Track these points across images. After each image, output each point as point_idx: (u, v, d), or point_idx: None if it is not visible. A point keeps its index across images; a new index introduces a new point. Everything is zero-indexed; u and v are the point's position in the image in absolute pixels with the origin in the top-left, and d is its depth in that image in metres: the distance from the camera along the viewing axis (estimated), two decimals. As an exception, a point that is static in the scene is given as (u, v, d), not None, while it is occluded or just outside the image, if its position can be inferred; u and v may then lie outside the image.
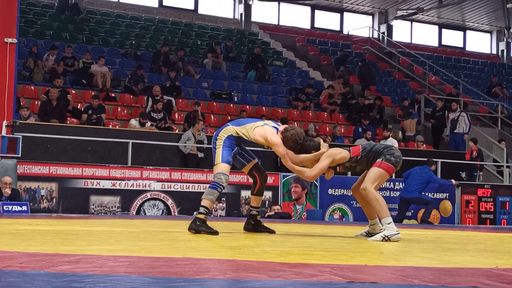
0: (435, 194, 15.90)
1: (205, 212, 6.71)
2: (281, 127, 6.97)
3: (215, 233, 6.58)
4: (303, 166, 6.94)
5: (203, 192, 6.95)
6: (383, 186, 15.32)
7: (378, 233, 6.83)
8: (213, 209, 13.68)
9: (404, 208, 14.51)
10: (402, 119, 20.81)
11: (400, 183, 15.29)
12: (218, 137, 6.97)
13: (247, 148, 7.37)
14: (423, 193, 14.50)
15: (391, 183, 15.45)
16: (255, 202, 7.38)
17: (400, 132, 20.77)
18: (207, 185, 7.19)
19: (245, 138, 6.95)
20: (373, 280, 3.23)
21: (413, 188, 14.36)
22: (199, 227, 6.61)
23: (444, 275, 3.52)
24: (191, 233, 6.57)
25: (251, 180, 7.44)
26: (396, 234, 6.49)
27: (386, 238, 6.46)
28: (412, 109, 21.13)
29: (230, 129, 6.97)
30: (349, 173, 15.52)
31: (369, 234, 7.05)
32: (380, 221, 6.80)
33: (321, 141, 7.04)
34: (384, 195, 15.11)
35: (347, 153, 6.86)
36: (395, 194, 15.37)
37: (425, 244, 6.49)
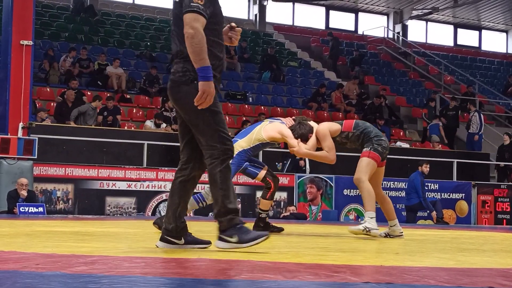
0: (451, 194, 15.84)
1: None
2: (287, 121, 7.10)
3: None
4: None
5: None
6: (396, 187, 15.28)
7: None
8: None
9: (411, 216, 14.45)
10: (426, 120, 20.61)
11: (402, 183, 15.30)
12: None
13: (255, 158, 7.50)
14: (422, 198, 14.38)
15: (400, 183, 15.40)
16: (265, 206, 7.45)
17: (416, 132, 20.70)
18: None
19: (260, 143, 7.07)
20: (389, 280, 3.22)
21: (410, 196, 14.37)
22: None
23: (460, 276, 3.50)
24: None
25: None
26: (375, 229, 6.67)
27: (367, 229, 6.64)
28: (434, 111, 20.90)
29: (238, 145, 6.96)
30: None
31: (388, 236, 7.02)
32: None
33: (311, 122, 7.14)
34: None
35: (339, 127, 7.00)
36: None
37: (441, 244, 6.46)
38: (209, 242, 4.65)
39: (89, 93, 17.48)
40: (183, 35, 4.35)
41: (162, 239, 4.61)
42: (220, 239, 4.46)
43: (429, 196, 15.00)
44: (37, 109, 14.96)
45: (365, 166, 6.83)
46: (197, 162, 4.62)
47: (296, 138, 6.93)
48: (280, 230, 7.48)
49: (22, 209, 11.48)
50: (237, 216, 4.46)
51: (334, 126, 7.01)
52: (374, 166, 6.87)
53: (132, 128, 16.36)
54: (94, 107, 15.52)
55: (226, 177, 4.44)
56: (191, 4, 4.30)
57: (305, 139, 6.93)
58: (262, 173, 7.27)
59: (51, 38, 20.25)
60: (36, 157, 12.50)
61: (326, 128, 6.92)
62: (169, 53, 21.32)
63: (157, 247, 4.61)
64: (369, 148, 6.85)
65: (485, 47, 31.39)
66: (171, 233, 4.58)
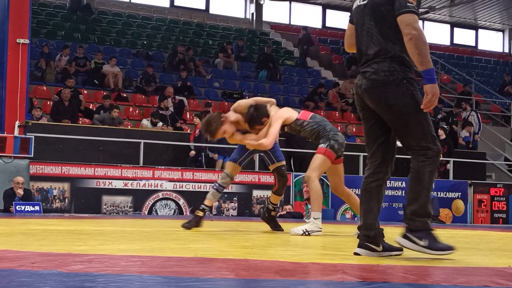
0: (447, 193, 15.85)
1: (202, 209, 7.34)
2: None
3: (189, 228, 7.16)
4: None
5: None
6: (394, 186, 15.30)
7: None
8: (225, 209, 13.75)
9: None
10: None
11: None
12: None
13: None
14: None
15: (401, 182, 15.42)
16: (273, 199, 7.54)
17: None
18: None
19: None
20: (385, 279, 3.23)
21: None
22: (190, 224, 7.24)
23: (456, 274, 3.50)
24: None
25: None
26: (318, 231, 6.61)
27: (306, 232, 6.56)
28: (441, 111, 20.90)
29: None
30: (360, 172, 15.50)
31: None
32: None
33: (268, 106, 6.96)
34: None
35: (295, 114, 6.97)
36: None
37: (437, 243, 6.45)
38: (401, 249, 4.43)
39: (85, 91, 17.46)
40: (388, 33, 4.34)
41: (362, 246, 4.40)
42: (406, 237, 4.29)
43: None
44: (33, 107, 14.95)
45: (319, 164, 6.75)
46: (390, 165, 4.44)
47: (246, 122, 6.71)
48: (280, 230, 7.51)
49: (19, 207, 11.47)
50: (430, 221, 4.35)
51: (289, 112, 6.96)
52: (328, 164, 6.82)
53: (129, 127, 16.34)
54: (112, 117, 15.47)
55: (433, 179, 4.30)
56: (408, 4, 4.28)
57: (259, 124, 6.71)
58: (274, 165, 7.34)
59: (48, 37, 20.22)
60: (32, 155, 12.49)
61: (280, 115, 6.81)
62: (165, 51, 21.34)
63: (358, 254, 4.38)
64: (325, 145, 6.76)
65: (481, 46, 31.40)
66: (372, 240, 4.37)
